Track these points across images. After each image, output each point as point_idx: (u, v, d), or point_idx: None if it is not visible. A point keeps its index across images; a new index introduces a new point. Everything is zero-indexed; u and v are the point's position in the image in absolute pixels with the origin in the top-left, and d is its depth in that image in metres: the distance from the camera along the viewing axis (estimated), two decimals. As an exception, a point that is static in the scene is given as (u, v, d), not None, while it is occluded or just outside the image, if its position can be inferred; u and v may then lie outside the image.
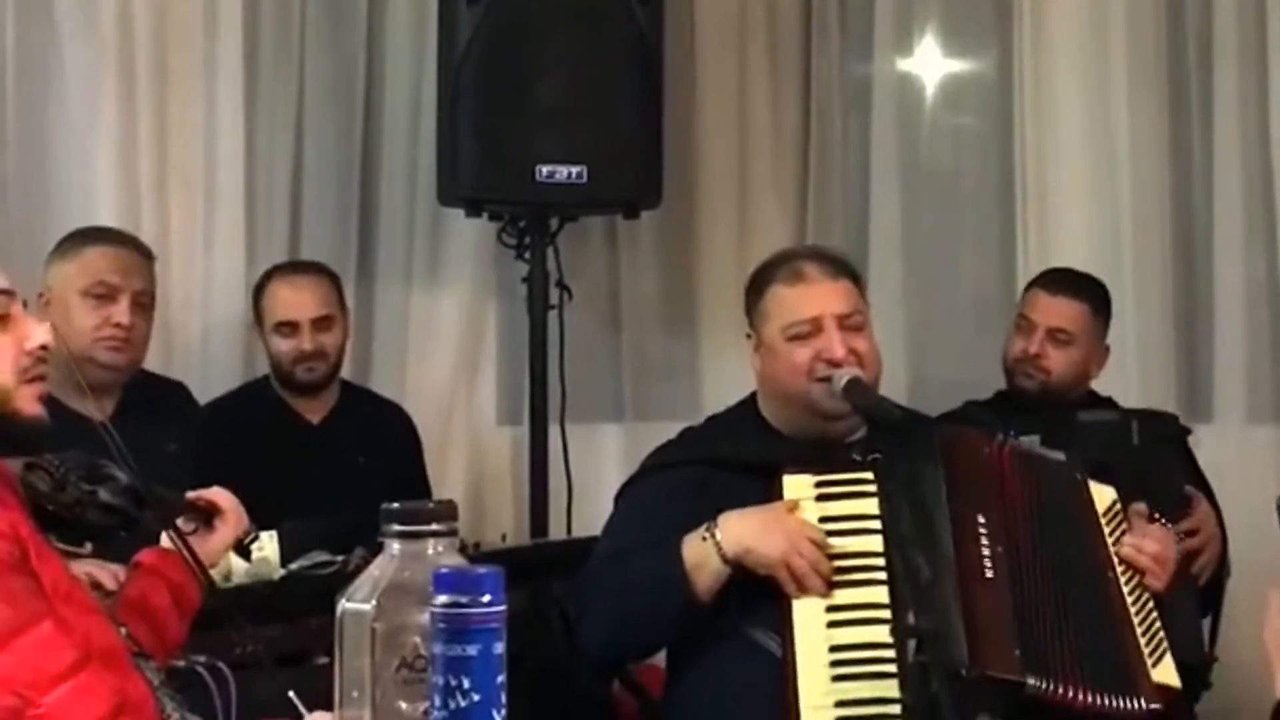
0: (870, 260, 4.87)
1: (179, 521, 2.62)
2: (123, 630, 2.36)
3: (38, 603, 2.11)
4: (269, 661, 2.64)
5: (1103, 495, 2.95)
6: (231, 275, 4.53)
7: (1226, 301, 4.65)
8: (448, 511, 1.52)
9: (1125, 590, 2.83)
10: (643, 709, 3.81)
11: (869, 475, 2.85)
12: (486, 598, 1.11)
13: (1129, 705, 2.69)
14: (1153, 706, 2.69)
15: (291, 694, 2.45)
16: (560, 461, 4.61)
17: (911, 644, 2.52)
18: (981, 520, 2.74)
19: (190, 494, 2.68)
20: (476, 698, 1.10)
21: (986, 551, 2.70)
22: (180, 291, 4.42)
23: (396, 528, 1.50)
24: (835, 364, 2.94)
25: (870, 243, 4.90)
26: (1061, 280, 4.10)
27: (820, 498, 2.86)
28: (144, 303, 3.71)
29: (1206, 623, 3.78)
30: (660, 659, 3.12)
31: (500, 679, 1.11)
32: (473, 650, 1.11)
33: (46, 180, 4.34)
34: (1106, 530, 2.90)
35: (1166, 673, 2.79)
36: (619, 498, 3.18)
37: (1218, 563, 3.74)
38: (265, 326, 4.19)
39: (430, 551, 1.47)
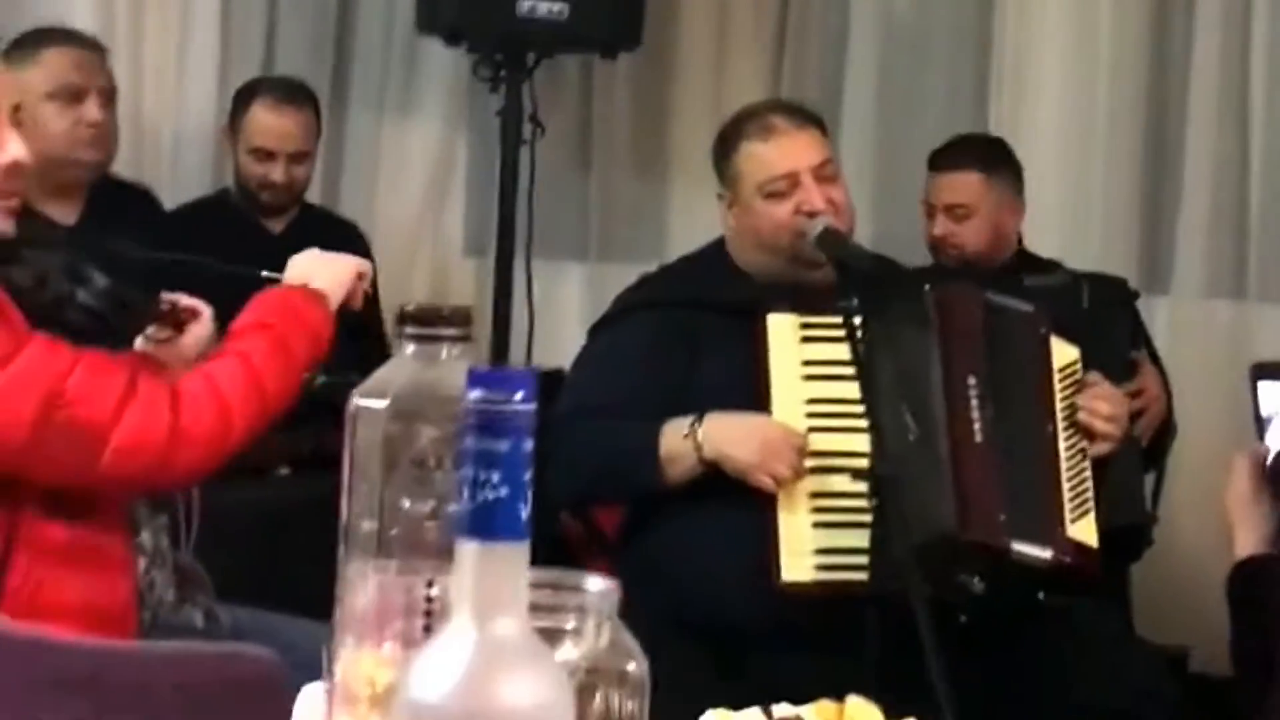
0: (843, 113, 4.87)
1: (150, 328, 2.64)
2: None
3: (22, 330, 2.24)
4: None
5: (1063, 352, 2.95)
6: (203, 93, 4.52)
7: (1194, 175, 4.65)
8: (461, 317, 1.53)
9: (1062, 446, 2.85)
10: (589, 537, 3.87)
11: (854, 322, 2.84)
12: (519, 395, 1.13)
13: (1039, 553, 2.71)
14: (1064, 558, 2.72)
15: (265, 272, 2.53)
16: (524, 295, 4.63)
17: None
18: (972, 382, 2.74)
19: (167, 297, 2.69)
20: (505, 491, 1.12)
21: (975, 415, 2.71)
22: (153, 103, 4.39)
23: (411, 330, 1.50)
24: (815, 214, 2.93)
25: (844, 96, 4.90)
26: (947, 155, 4.13)
27: (805, 339, 2.85)
28: (109, 98, 3.66)
29: (1149, 481, 3.84)
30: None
31: (528, 476, 1.13)
32: (503, 445, 1.13)
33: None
34: (1058, 386, 2.91)
35: (1085, 530, 2.80)
36: (593, 335, 3.16)
37: (1161, 424, 3.80)
38: (240, 141, 4.15)
39: (444, 355, 1.49)
